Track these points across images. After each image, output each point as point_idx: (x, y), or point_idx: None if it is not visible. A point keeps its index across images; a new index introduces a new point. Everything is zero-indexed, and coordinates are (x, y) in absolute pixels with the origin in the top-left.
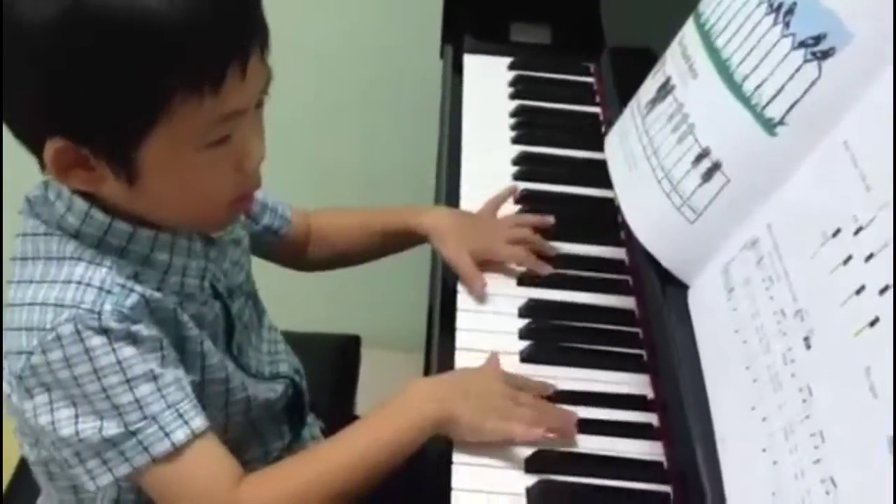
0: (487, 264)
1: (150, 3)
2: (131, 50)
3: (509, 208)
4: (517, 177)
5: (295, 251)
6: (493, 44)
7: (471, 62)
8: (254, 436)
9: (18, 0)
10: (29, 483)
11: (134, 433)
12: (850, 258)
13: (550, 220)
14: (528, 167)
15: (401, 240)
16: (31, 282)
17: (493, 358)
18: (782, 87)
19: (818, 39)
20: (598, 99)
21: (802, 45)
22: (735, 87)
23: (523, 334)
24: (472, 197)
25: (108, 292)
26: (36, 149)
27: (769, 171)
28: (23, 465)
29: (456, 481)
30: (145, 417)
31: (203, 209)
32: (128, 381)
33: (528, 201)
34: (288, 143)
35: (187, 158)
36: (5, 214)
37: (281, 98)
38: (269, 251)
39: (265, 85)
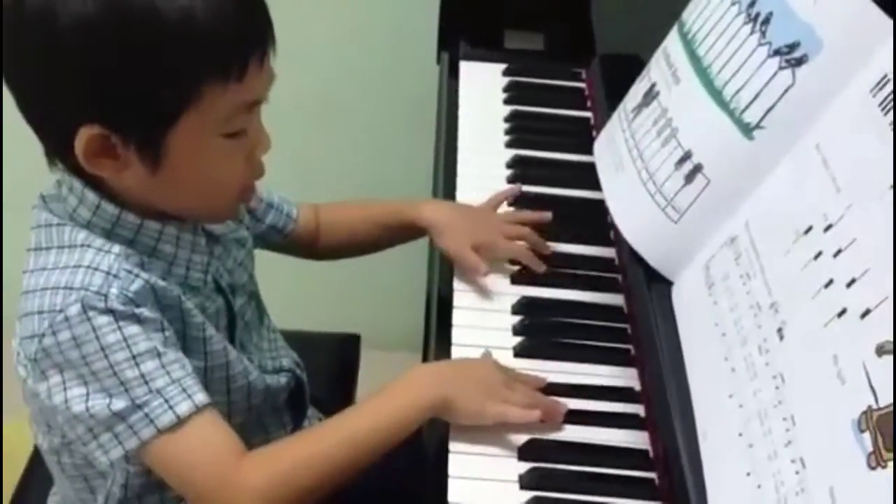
0: (483, 259)
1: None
2: (168, 40)
3: (503, 209)
4: (511, 179)
5: (307, 244)
6: (487, 50)
7: (466, 68)
8: (257, 425)
9: None
10: (42, 475)
11: (140, 406)
12: (820, 254)
13: (548, 216)
14: (521, 170)
15: (401, 232)
16: (44, 269)
17: (488, 353)
18: (759, 93)
19: (792, 47)
20: (589, 104)
21: (778, 52)
22: (715, 93)
23: (517, 330)
24: (468, 199)
25: (115, 277)
26: (64, 139)
27: (747, 172)
28: (35, 457)
29: (453, 469)
30: (150, 392)
31: (214, 196)
32: (133, 357)
33: (522, 203)
34: (284, 147)
35: (209, 145)
36: (5, 215)
37: (278, 103)
38: (281, 247)
39: (270, 83)
